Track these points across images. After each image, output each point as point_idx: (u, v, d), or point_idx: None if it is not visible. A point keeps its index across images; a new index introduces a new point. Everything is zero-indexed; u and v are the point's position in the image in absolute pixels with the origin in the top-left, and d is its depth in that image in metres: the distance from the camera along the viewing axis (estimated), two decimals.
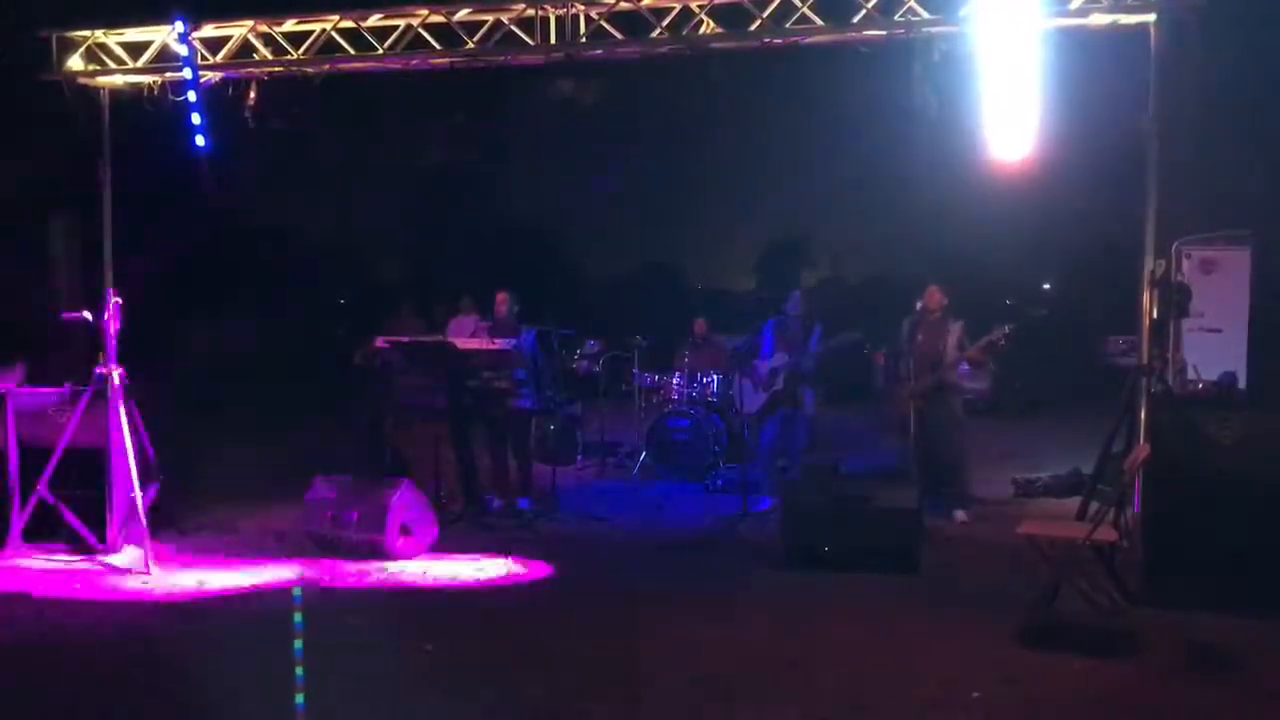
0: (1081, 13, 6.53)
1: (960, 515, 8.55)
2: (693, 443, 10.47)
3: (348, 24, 7.59)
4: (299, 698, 3.92)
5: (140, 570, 7.07)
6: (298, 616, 3.95)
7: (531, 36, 7.35)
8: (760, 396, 9.14)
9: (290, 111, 7.95)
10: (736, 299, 22.97)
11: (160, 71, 7.87)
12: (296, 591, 4.07)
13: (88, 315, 7.54)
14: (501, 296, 9.20)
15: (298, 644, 3.94)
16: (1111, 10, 6.44)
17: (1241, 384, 7.23)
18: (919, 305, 8.88)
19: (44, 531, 7.53)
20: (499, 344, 8.75)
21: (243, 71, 7.85)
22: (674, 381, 10.97)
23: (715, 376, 10.73)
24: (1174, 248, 8.45)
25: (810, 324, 9.19)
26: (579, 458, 11.39)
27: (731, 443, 10.36)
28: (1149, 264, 6.44)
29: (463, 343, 9.03)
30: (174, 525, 8.12)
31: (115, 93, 8.07)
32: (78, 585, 6.88)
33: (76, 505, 7.56)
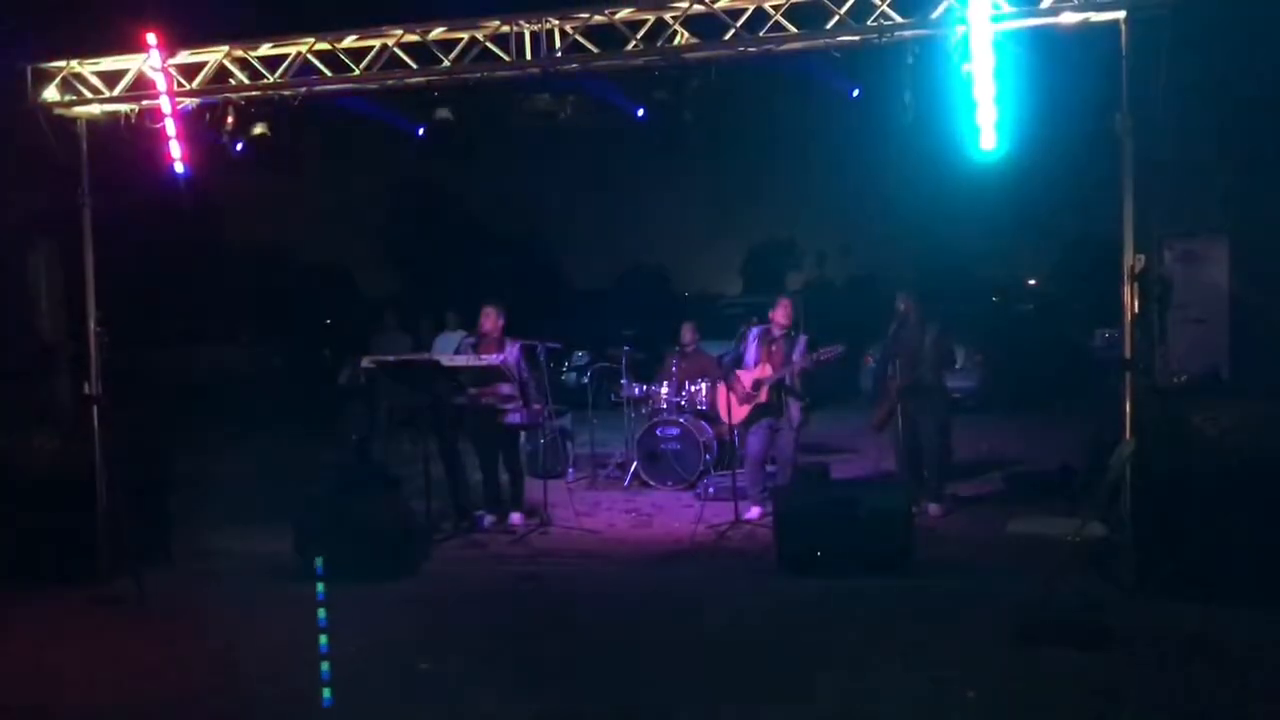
0: (1052, 11, 6.57)
1: (934, 509, 8.61)
2: (683, 451, 10.49)
3: (323, 46, 7.59)
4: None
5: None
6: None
7: (507, 53, 7.36)
8: (744, 408, 9.07)
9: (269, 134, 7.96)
10: (724, 304, 22.99)
11: (136, 100, 7.86)
12: (319, 561, 4.19)
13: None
14: (486, 311, 9.17)
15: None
16: (1082, 9, 6.47)
17: (1225, 374, 7.28)
18: (900, 308, 8.92)
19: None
20: (485, 359, 8.74)
21: (219, 97, 7.84)
22: (662, 390, 10.98)
23: (704, 384, 10.73)
24: (1156, 240, 8.52)
25: (795, 334, 9.10)
26: (570, 470, 11.39)
27: (722, 450, 10.37)
28: (1128, 259, 6.47)
29: (448, 359, 9.02)
30: (165, 553, 8.07)
31: (92, 122, 8.06)
32: None
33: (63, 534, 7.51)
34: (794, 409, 8.90)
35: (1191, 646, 5.33)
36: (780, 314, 9.10)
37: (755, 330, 9.19)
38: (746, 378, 9.04)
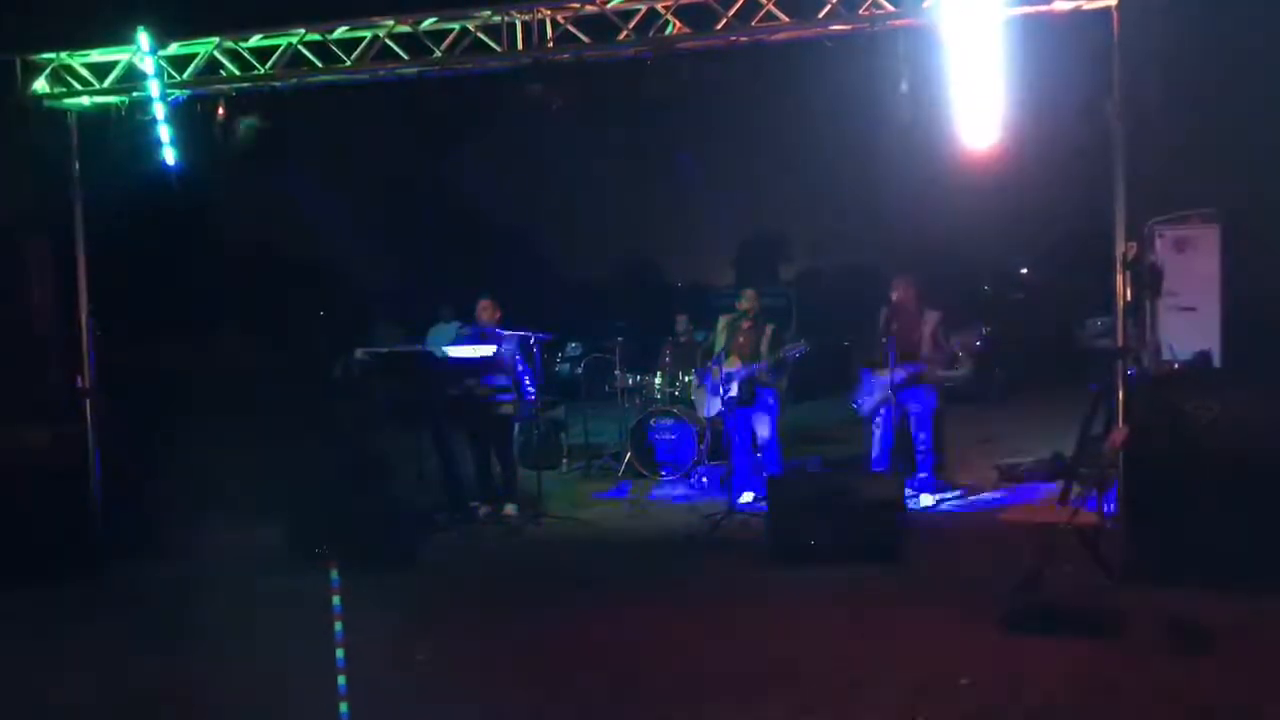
0: None
1: (927, 499, 8.64)
2: (676, 441, 10.50)
3: (314, 37, 7.57)
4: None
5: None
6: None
7: (498, 43, 7.36)
8: (717, 401, 9.11)
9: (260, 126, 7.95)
10: (718, 295, 22.98)
11: (127, 92, 7.84)
12: (334, 574, 4.17)
13: None
14: (484, 304, 9.17)
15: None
16: None
17: (1216, 362, 7.28)
18: (893, 296, 8.90)
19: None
20: (479, 351, 8.75)
21: (210, 88, 7.82)
22: (656, 381, 10.98)
23: (696, 374, 10.75)
24: (1147, 228, 8.52)
25: (762, 324, 9.14)
26: (564, 461, 11.40)
27: (715, 440, 10.39)
28: (1120, 246, 6.49)
29: (442, 351, 9.02)
30: (159, 546, 8.06)
31: (83, 114, 8.04)
32: None
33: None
34: (768, 398, 8.97)
35: (1183, 633, 5.36)
36: (744, 305, 9.14)
37: (723, 320, 9.25)
38: (717, 371, 9.10)
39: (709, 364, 9.17)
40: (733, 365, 9.00)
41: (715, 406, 9.14)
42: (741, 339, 9.05)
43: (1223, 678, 4.91)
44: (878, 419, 8.78)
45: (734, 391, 8.96)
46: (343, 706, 4.11)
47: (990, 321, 15.66)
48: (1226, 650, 5.21)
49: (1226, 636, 5.34)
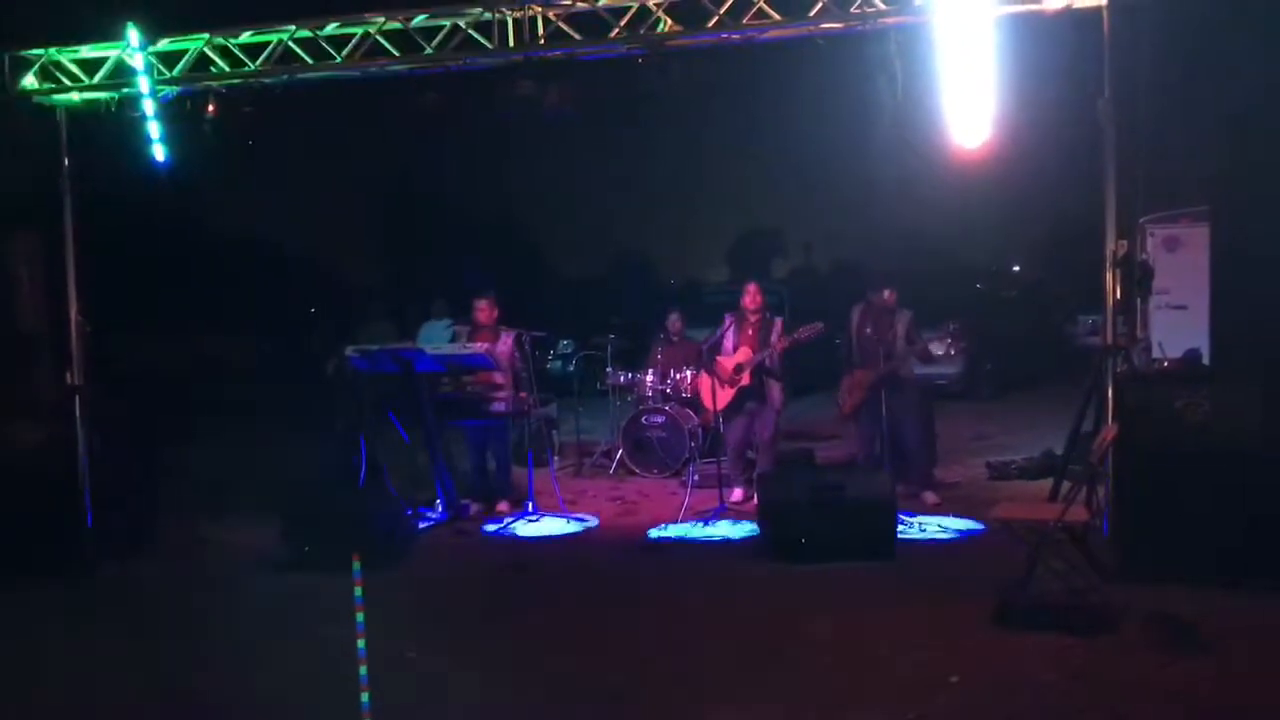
0: None
1: (929, 497, 8.63)
2: (668, 439, 10.49)
3: (304, 33, 7.55)
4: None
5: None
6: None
7: (489, 40, 7.34)
8: (726, 393, 9.09)
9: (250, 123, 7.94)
10: (708, 292, 23.01)
11: (117, 88, 7.82)
12: (356, 566, 4.21)
13: None
14: (479, 304, 9.14)
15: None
16: None
17: (1206, 360, 7.30)
18: (879, 299, 8.87)
19: None
20: (472, 348, 8.74)
21: (200, 84, 7.80)
22: (648, 379, 10.98)
23: (689, 372, 10.74)
24: (1139, 226, 8.55)
25: (769, 316, 9.16)
26: (556, 458, 11.39)
27: (707, 438, 10.39)
28: (1110, 244, 6.50)
29: (434, 349, 9.01)
30: (151, 543, 8.05)
31: (72, 110, 8.02)
32: None
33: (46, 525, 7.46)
34: (775, 391, 8.96)
35: (1173, 630, 5.38)
36: (748, 299, 9.14)
37: (730, 316, 9.25)
38: (728, 363, 9.07)
39: (717, 358, 9.14)
40: (744, 357, 9.00)
41: (725, 398, 9.12)
42: (750, 331, 9.07)
43: (1213, 675, 4.92)
44: None
45: (745, 381, 8.96)
46: (364, 697, 4.10)
47: (960, 320, 15.68)
48: (1217, 648, 5.22)
49: (1217, 634, 5.36)
